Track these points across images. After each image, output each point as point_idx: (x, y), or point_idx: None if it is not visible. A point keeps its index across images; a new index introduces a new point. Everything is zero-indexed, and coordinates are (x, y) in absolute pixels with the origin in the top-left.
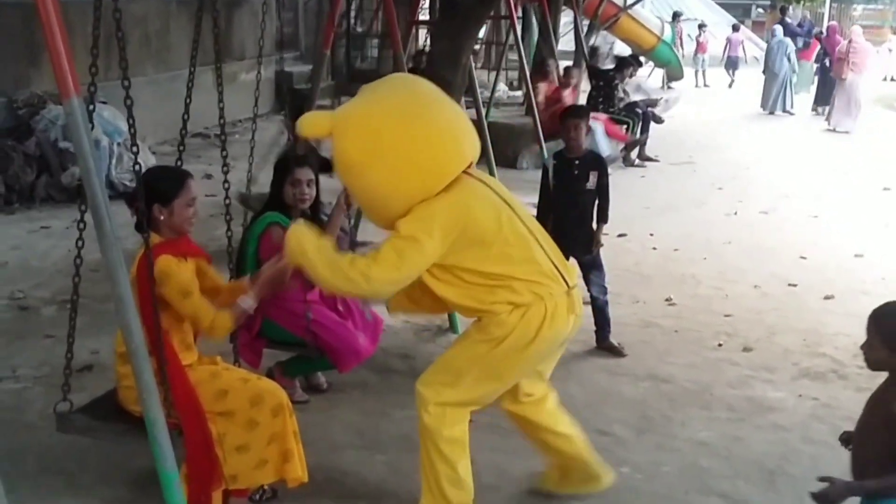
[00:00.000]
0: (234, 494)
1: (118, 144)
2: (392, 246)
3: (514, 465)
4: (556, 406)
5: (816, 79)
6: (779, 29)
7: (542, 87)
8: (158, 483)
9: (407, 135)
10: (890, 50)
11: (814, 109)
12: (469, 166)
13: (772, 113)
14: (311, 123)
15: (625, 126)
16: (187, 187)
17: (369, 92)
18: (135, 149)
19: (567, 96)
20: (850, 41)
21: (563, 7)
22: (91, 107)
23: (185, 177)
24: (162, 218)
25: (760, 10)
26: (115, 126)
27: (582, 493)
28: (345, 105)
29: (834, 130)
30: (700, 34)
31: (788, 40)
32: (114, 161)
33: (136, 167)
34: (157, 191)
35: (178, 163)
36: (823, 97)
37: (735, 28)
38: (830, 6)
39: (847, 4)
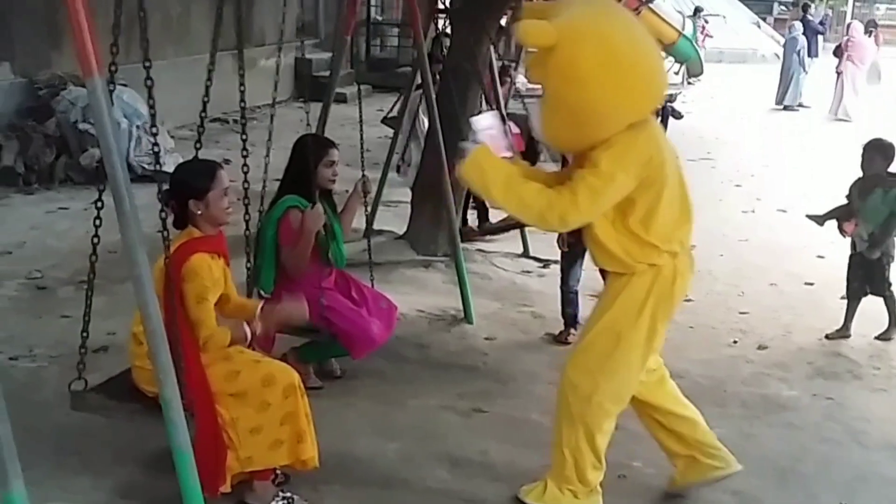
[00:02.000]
0: (256, 478)
1: (137, 127)
2: (588, 186)
3: (526, 456)
4: (675, 387)
5: None
6: (797, 26)
7: None
8: (170, 463)
9: (637, 55)
10: None
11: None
12: None
13: (785, 108)
14: (536, 31)
15: None
16: (219, 178)
17: (589, 5)
18: (154, 130)
19: None
20: (848, 36)
21: None
22: (111, 86)
23: (216, 168)
24: (199, 212)
25: (783, 7)
26: (135, 108)
27: (710, 481)
28: (564, 14)
29: (836, 118)
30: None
31: (801, 37)
32: (132, 144)
33: (156, 149)
34: (189, 186)
35: (197, 146)
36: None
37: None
38: (854, 5)
39: (870, 4)
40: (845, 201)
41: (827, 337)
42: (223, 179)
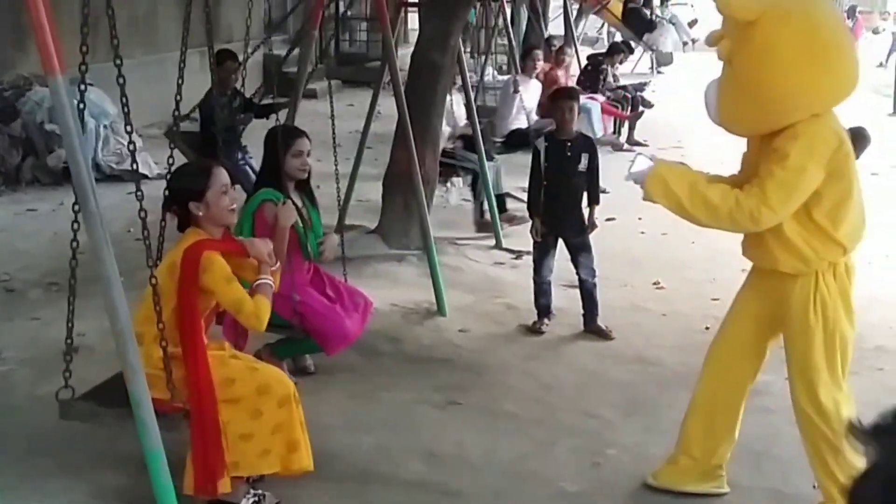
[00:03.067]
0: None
1: (104, 127)
2: (778, 181)
3: (502, 447)
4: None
5: None
6: None
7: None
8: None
9: (839, 41)
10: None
11: None
12: None
13: None
14: (744, 4)
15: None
16: (216, 176)
17: None
18: (128, 128)
19: (561, 76)
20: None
21: None
22: (83, 86)
23: (212, 167)
24: (200, 213)
25: None
26: (102, 108)
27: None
28: None
29: None
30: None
31: None
32: (100, 143)
33: (131, 147)
34: (187, 188)
35: (172, 146)
36: None
37: None
38: None
39: None
40: None
41: None
42: (221, 177)
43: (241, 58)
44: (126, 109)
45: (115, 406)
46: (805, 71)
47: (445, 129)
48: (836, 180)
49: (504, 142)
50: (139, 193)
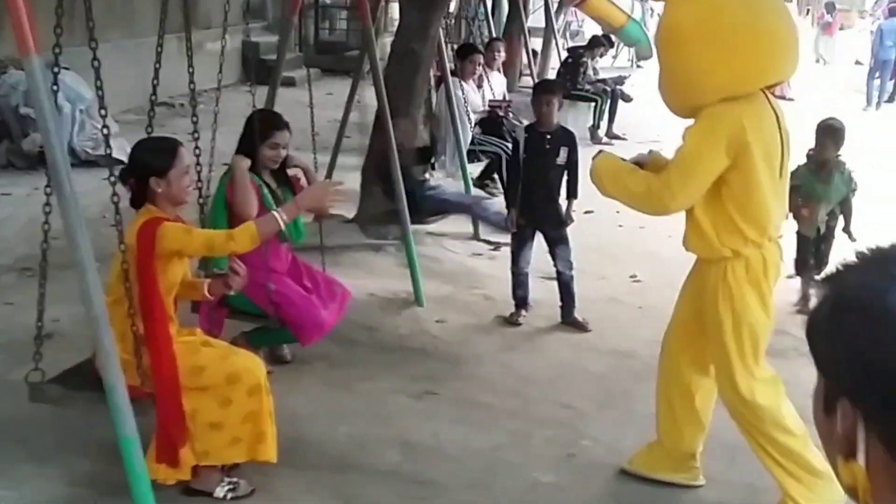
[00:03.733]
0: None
1: (80, 111)
2: (677, 165)
3: (477, 437)
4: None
5: None
6: None
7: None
8: (120, 452)
9: (746, 21)
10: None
11: None
12: (774, 86)
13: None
14: None
15: (593, 104)
16: (180, 156)
17: None
18: (103, 112)
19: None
20: None
21: None
22: (56, 69)
23: (177, 146)
24: (160, 190)
25: None
26: (77, 92)
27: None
28: None
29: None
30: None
31: None
32: (76, 128)
33: (105, 131)
34: (151, 164)
35: (149, 130)
36: None
37: None
38: None
39: None
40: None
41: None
42: (184, 157)
43: (219, 44)
44: (100, 93)
45: (85, 390)
46: (708, 51)
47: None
48: (738, 169)
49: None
50: (112, 178)
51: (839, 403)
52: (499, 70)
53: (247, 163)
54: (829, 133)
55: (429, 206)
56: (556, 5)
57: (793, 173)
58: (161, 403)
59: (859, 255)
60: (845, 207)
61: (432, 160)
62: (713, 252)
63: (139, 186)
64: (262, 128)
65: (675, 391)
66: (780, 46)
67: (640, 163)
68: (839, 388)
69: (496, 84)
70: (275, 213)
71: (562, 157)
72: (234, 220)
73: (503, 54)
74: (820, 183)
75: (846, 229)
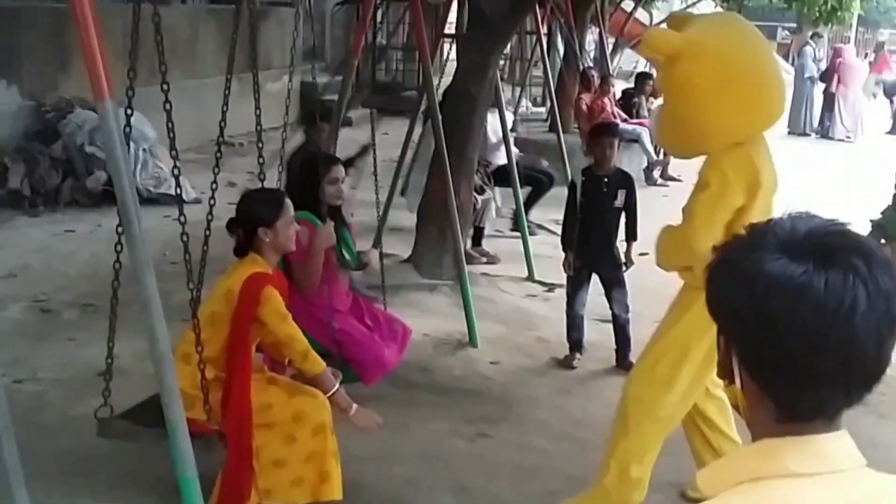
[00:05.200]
0: None
1: (143, 150)
2: (700, 204)
3: (531, 482)
4: (729, 408)
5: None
6: (807, 51)
7: (586, 98)
8: (177, 489)
9: (754, 73)
10: None
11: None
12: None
13: (800, 134)
14: (663, 41)
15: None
16: (286, 207)
17: (720, 23)
18: (173, 153)
19: (607, 104)
20: (840, 58)
21: (589, 25)
22: (129, 111)
23: (283, 197)
24: (267, 240)
25: (786, 32)
26: (141, 131)
27: None
28: (690, 28)
29: (833, 139)
30: None
31: (811, 63)
32: (138, 167)
33: (176, 171)
34: (259, 214)
35: (216, 171)
36: (822, 120)
37: None
38: (857, 30)
39: (874, 28)
40: (870, 223)
41: None
42: (290, 208)
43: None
44: (172, 135)
45: (151, 426)
46: (719, 104)
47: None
48: (752, 208)
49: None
50: (182, 218)
51: (720, 338)
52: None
53: (332, 236)
54: None
55: None
56: (611, 46)
57: (882, 212)
58: (233, 444)
59: (748, 226)
60: None
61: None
62: (696, 279)
63: (246, 236)
64: (315, 163)
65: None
66: (780, 90)
67: None
68: (721, 327)
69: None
70: (339, 387)
71: (620, 199)
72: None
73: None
74: None
75: None
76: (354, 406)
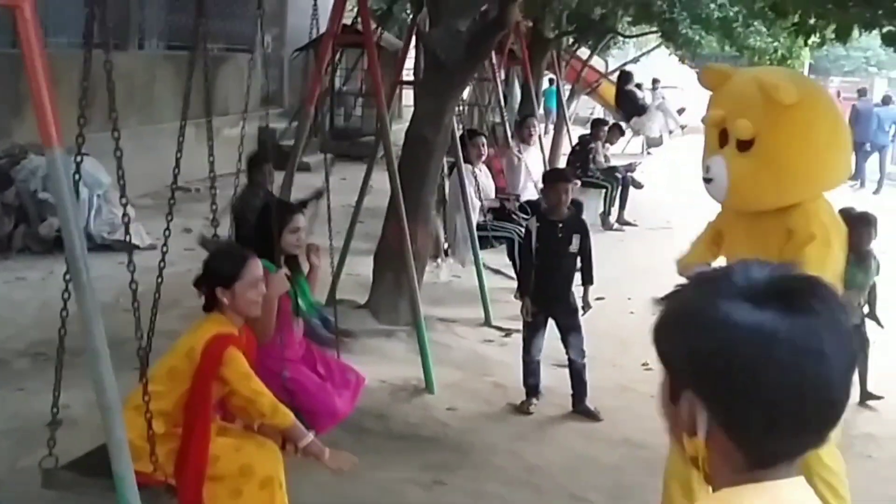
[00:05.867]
0: None
1: (97, 196)
2: (812, 260)
3: None
4: None
5: None
6: None
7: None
8: None
9: (846, 130)
10: None
11: None
12: None
13: None
14: (787, 89)
15: (603, 190)
16: (249, 268)
17: (809, 80)
18: (123, 200)
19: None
20: None
21: (546, 71)
22: (79, 158)
23: (247, 258)
24: (225, 301)
25: None
26: (95, 178)
27: None
28: (797, 80)
29: None
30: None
31: None
32: (92, 213)
33: (126, 218)
34: (217, 272)
35: (169, 217)
36: None
37: None
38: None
39: (824, 76)
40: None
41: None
42: (254, 270)
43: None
44: (122, 182)
45: (98, 477)
46: (829, 151)
47: (476, 203)
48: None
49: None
50: (131, 266)
51: (683, 393)
52: (536, 145)
53: (285, 284)
54: (871, 224)
55: None
56: (567, 93)
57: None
58: (186, 499)
59: (691, 277)
60: (871, 294)
61: (445, 247)
62: None
63: (209, 294)
64: (280, 215)
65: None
66: (850, 148)
67: None
68: (682, 380)
69: (532, 160)
70: (311, 435)
71: (574, 244)
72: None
73: (537, 128)
74: (861, 272)
75: (872, 315)
76: (327, 451)
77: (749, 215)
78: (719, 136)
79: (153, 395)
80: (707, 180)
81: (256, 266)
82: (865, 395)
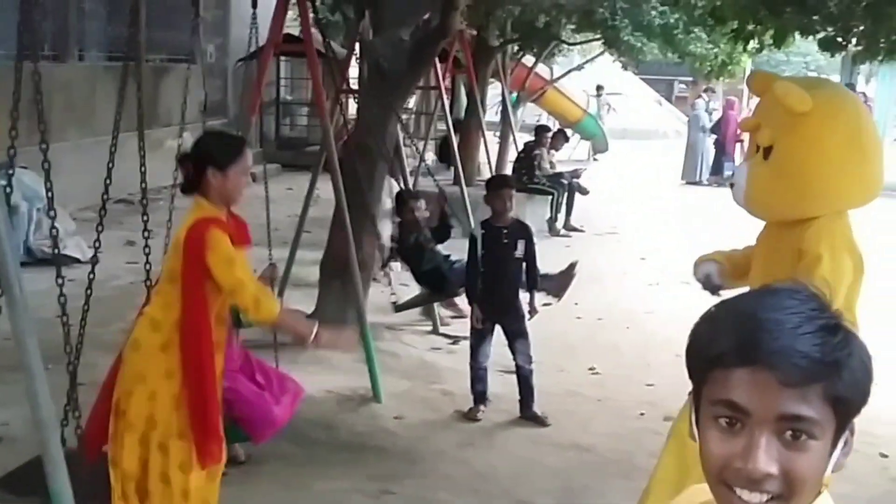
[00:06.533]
0: None
1: (38, 210)
2: (822, 285)
3: None
4: None
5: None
6: (699, 104)
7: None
8: None
9: (875, 146)
10: None
11: (708, 181)
12: None
13: (690, 183)
14: (800, 97)
15: (550, 197)
16: (245, 155)
17: (832, 85)
18: (52, 213)
19: None
20: (731, 110)
21: (491, 79)
22: (10, 171)
23: (243, 143)
24: (214, 183)
25: (683, 85)
26: (35, 191)
27: None
28: (817, 87)
29: (725, 186)
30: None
31: (704, 114)
32: (32, 227)
33: (54, 231)
34: (212, 154)
35: (99, 228)
36: (717, 168)
37: None
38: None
39: None
40: None
41: None
42: (249, 158)
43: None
44: (50, 194)
45: (31, 495)
46: (846, 165)
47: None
48: (856, 286)
49: None
50: (59, 280)
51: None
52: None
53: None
54: None
55: (457, 279)
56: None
57: None
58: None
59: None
60: None
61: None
62: None
63: (196, 173)
64: None
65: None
66: (882, 168)
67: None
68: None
69: None
70: (314, 325)
71: (519, 250)
72: None
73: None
74: None
75: None
76: (337, 335)
77: (772, 229)
78: (755, 143)
79: (161, 305)
80: (731, 185)
81: (250, 154)
82: None
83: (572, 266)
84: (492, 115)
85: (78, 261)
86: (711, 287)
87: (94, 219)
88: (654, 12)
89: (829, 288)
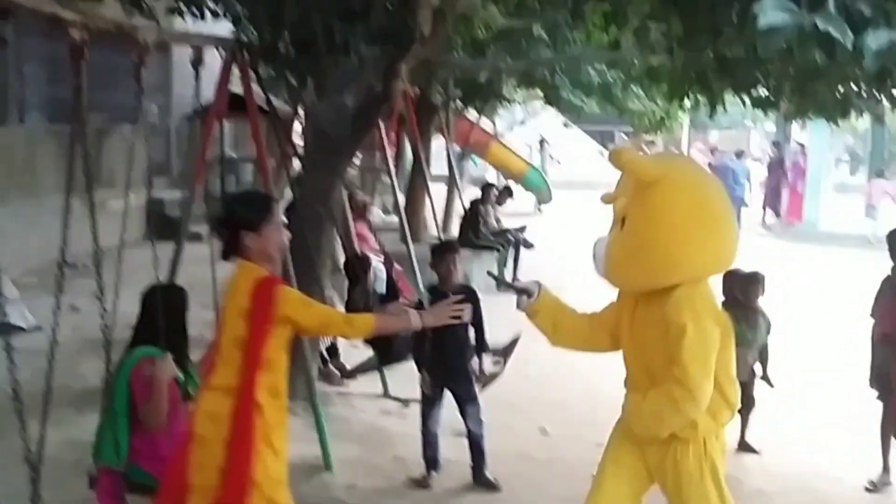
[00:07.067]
0: None
1: None
2: (690, 354)
3: None
4: None
5: None
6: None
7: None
8: None
9: (724, 215)
10: None
11: None
12: None
13: None
14: (646, 165)
15: (496, 252)
16: (274, 210)
17: (683, 160)
18: None
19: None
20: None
21: (434, 133)
22: None
23: (272, 199)
24: (251, 245)
25: (624, 135)
26: None
27: None
28: (665, 159)
29: None
30: None
31: None
32: None
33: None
34: (242, 218)
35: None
36: None
37: None
38: (690, 132)
39: (703, 131)
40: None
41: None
42: (278, 212)
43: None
44: None
45: None
46: (691, 235)
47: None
48: (725, 350)
49: None
50: (7, 350)
51: None
52: None
53: (173, 368)
54: (759, 282)
55: (405, 345)
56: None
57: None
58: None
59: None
60: (763, 354)
61: None
62: (699, 432)
63: (231, 239)
64: (162, 296)
65: None
66: (734, 236)
67: (527, 291)
68: None
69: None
70: (411, 311)
71: (467, 315)
72: (136, 427)
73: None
74: (750, 330)
75: (764, 376)
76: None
77: (635, 301)
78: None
79: (234, 371)
80: (593, 257)
81: (278, 209)
82: (743, 445)
83: (515, 341)
84: (443, 167)
85: (22, 329)
86: (516, 290)
87: (37, 284)
88: (592, 71)
89: (698, 359)
